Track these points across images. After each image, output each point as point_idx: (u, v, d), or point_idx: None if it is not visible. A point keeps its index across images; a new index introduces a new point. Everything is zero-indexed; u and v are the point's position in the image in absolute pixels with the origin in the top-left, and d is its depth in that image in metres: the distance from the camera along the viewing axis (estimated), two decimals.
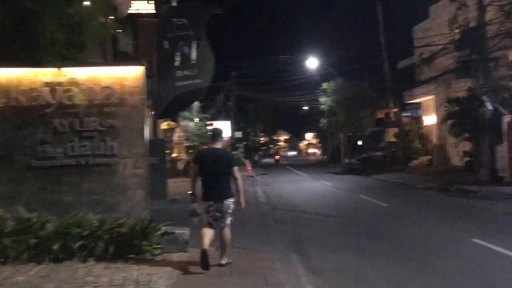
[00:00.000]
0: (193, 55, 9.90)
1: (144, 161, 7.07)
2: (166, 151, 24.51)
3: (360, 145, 42.10)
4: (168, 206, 12.16)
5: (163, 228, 6.65)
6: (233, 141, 33.66)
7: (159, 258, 6.31)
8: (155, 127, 10.70)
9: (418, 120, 31.60)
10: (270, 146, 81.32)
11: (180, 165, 24.30)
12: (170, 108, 9.80)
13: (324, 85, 28.74)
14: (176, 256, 6.41)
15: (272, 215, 11.58)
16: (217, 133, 6.33)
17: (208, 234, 5.79)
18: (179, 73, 9.63)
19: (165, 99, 9.69)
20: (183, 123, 28.30)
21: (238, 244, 7.17)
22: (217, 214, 5.87)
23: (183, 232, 6.84)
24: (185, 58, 9.86)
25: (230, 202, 5.93)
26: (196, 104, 31.05)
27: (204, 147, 12.50)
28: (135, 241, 6.32)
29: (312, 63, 29.99)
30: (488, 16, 15.83)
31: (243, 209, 6.02)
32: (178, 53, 9.53)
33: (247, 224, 9.43)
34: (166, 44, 9.42)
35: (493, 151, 16.04)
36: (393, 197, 15.09)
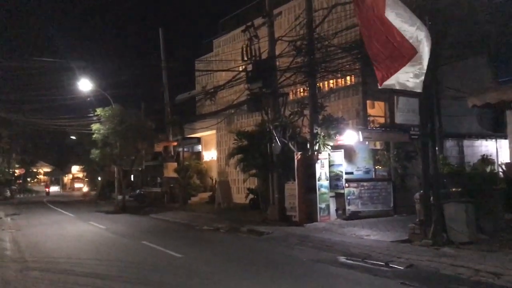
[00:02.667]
0: None
1: None
2: None
3: (133, 181, 39.20)
4: None
5: None
6: None
7: None
8: None
9: (197, 155, 30.74)
10: (27, 179, 70.87)
11: None
12: None
13: (99, 111, 25.19)
14: None
15: (23, 281, 7.96)
16: None
17: None
18: None
19: None
20: None
21: None
22: None
23: None
24: None
25: None
26: None
27: None
28: None
29: (84, 85, 26.18)
30: (280, 49, 15.49)
31: None
32: None
33: None
34: None
35: (282, 189, 15.45)
36: (184, 243, 12.82)
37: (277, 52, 15.88)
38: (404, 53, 8.32)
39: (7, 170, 49.94)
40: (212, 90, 22.77)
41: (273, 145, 15.56)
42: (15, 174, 57.85)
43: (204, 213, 20.34)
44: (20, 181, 60.87)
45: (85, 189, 50.88)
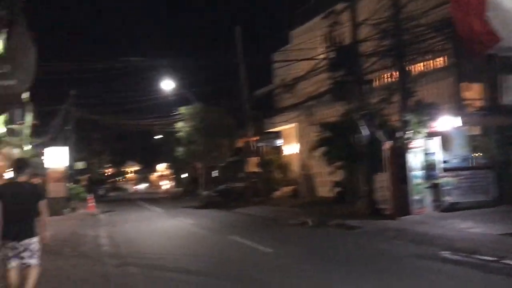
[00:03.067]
0: (3, 45, 7.15)
1: None
2: None
3: (216, 176, 39.93)
4: None
5: None
6: (73, 172, 28.57)
7: None
8: None
9: (277, 149, 30.54)
10: (117, 178, 75.08)
11: None
12: None
13: (182, 110, 25.83)
14: None
15: (122, 277, 8.09)
16: (21, 165, 5.70)
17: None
18: None
19: None
20: (6, 149, 22.71)
21: None
22: (21, 254, 5.35)
23: None
24: None
25: (34, 240, 5.46)
26: (26, 127, 25.66)
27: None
28: None
29: (167, 85, 26.91)
30: (364, 34, 14.71)
31: (47, 242, 5.63)
32: None
33: None
34: None
35: (371, 180, 14.71)
36: (271, 238, 12.57)
37: (360, 37, 15.13)
38: (486, 38, 7.65)
39: (99, 170, 53.15)
40: (291, 82, 22.39)
41: (359, 135, 14.87)
42: (107, 173, 61.50)
43: (288, 207, 20.05)
44: (112, 180, 64.62)
45: (167, 186, 52.77)
